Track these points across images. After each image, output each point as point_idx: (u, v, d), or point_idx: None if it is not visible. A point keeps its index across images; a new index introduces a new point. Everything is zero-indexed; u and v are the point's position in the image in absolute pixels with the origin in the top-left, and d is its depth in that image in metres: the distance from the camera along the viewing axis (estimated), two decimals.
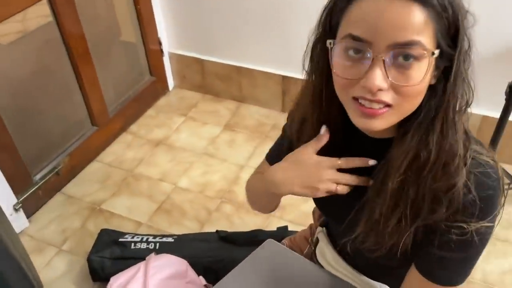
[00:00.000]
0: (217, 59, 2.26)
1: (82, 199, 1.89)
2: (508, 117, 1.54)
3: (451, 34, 0.61)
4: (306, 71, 0.74)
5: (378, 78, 0.60)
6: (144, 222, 1.78)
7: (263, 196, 0.93)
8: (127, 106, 2.20)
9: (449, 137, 0.65)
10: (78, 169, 2.00)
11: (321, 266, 1.04)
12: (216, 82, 2.34)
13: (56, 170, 1.87)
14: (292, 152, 0.79)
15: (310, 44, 0.71)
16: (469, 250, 0.71)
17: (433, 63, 0.61)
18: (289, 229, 1.61)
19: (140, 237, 1.58)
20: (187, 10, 2.18)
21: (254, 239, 1.52)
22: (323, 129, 0.76)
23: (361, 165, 0.75)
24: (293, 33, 2.00)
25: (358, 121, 0.66)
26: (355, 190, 0.77)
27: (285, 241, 1.19)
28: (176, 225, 1.76)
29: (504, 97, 1.49)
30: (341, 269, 1.00)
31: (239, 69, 2.23)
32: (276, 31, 2.03)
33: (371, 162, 0.74)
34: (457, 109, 0.64)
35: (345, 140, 0.78)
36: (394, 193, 0.69)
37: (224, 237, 1.56)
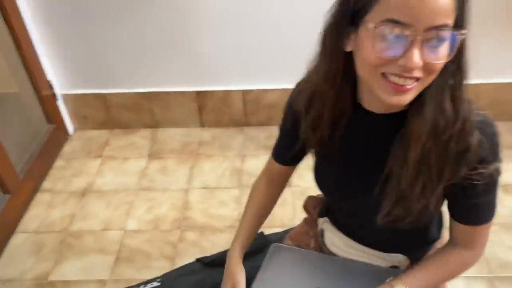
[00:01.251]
0: (121, 90, 2.13)
1: (22, 278, 1.62)
2: None
3: (462, 14, 0.71)
4: (321, 51, 0.78)
5: (417, 57, 0.67)
6: (107, 278, 1.61)
7: None
8: (35, 163, 1.94)
9: (461, 103, 0.75)
10: (0, 248, 1.71)
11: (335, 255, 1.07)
12: (123, 114, 2.21)
13: None
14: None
15: (327, 26, 0.75)
16: (493, 188, 0.83)
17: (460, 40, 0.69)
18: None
19: None
20: (75, 45, 2.01)
21: None
22: None
23: None
24: (200, 47, 1.99)
25: (390, 99, 0.72)
26: (372, 167, 0.83)
27: (287, 241, 1.20)
28: (145, 269, 1.63)
29: None
30: (354, 252, 1.04)
31: (148, 95, 2.14)
32: (181, 49, 2.00)
33: None
34: (464, 77, 0.74)
35: (350, 118, 0.84)
36: (417, 162, 0.77)
37: (210, 262, 1.51)
